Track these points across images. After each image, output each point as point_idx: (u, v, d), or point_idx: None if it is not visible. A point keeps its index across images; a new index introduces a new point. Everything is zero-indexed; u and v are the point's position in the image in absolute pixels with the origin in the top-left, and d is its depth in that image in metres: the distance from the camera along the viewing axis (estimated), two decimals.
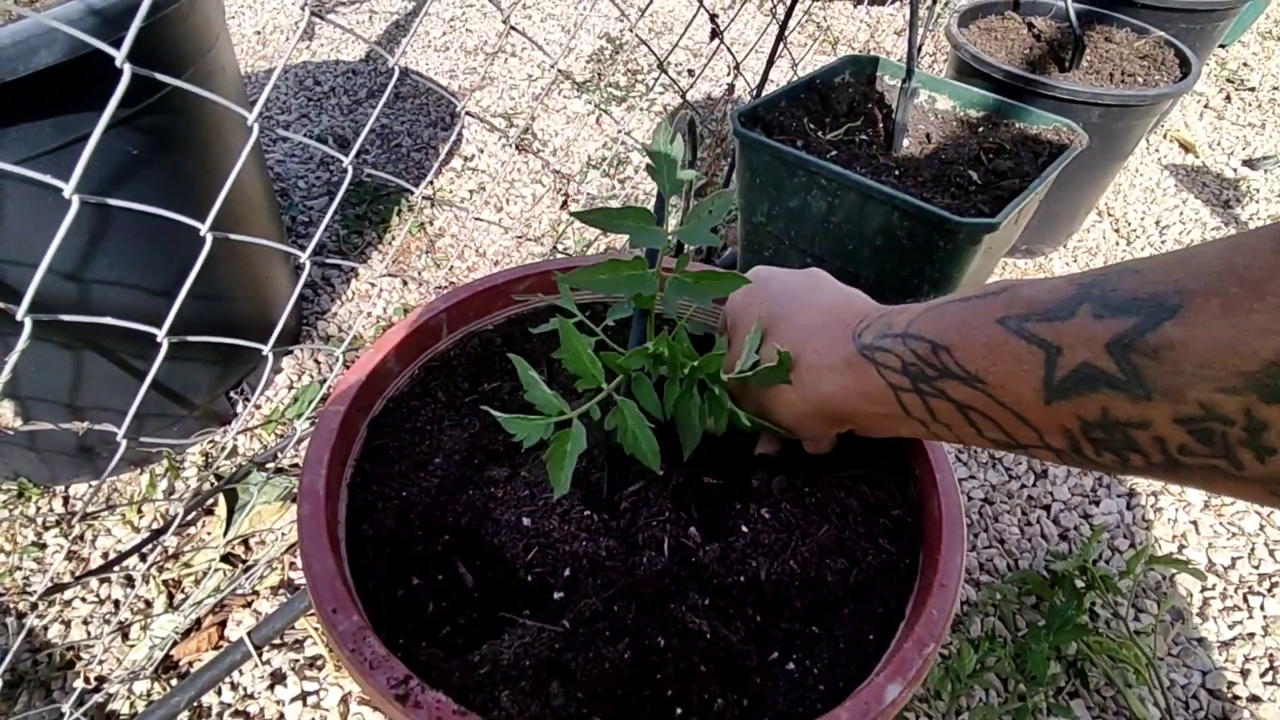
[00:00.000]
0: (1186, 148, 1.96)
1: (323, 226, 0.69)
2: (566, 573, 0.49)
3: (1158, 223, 1.71)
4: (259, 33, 2.21)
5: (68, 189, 0.49)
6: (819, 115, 1.05)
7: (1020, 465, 1.16)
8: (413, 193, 0.80)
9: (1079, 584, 0.93)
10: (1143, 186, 1.82)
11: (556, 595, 0.48)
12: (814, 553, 0.50)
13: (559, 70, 0.87)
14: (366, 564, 0.51)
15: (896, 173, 0.94)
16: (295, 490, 1.04)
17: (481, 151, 1.77)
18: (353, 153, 0.66)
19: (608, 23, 2.37)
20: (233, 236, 0.63)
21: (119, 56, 0.47)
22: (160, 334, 0.60)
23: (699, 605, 0.47)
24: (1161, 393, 0.28)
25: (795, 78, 1.11)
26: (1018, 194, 0.88)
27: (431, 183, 1.64)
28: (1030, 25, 1.49)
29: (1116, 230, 1.68)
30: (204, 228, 0.60)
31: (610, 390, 0.46)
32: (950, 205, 0.87)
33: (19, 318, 0.50)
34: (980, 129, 1.05)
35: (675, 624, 0.47)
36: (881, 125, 1.04)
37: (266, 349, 0.70)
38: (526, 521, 0.51)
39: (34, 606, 0.84)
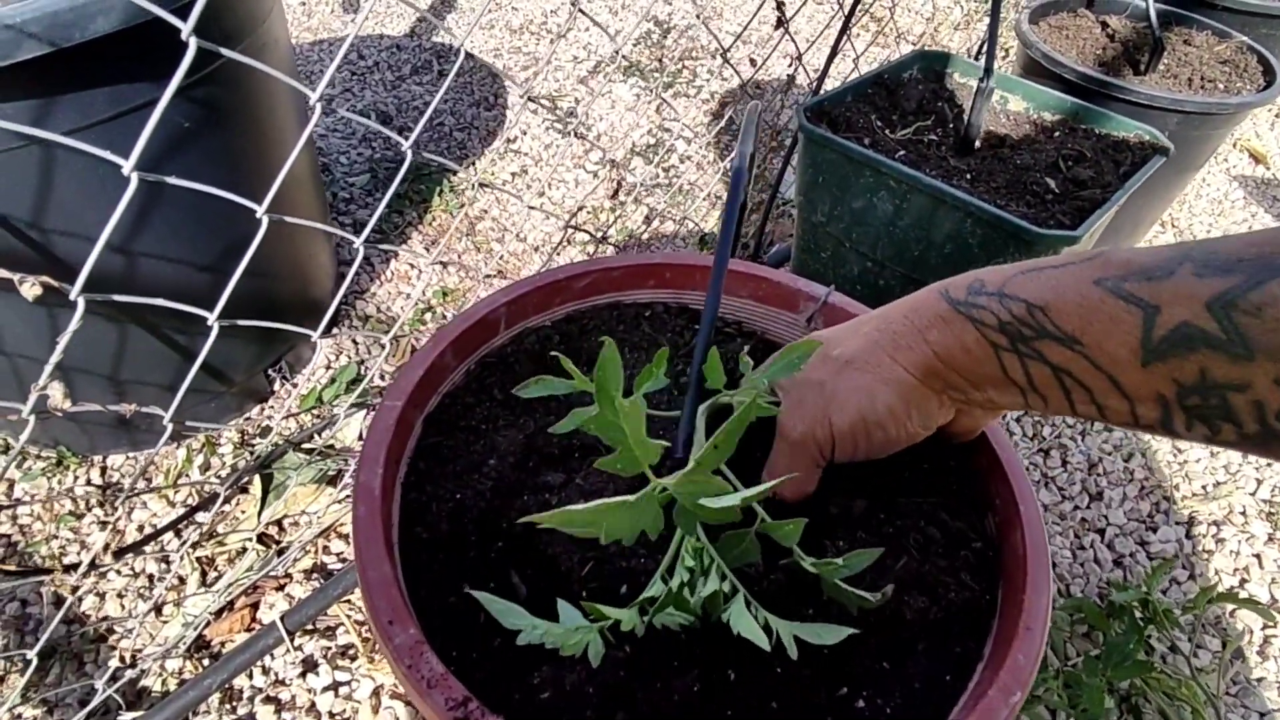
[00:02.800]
0: (1257, 158, 1.88)
1: (377, 214, 0.66)
2: (624, 590, 0.47)
3: (1224, 236, 1.64)
4: (304, 4, 2.19)
5: (127, 166, 0.47)
6: (886, 112, 1.00)
7: (1074, 486, 1.12)
8: (455, 172, 0.78)
9: (1138, 616, 0.89)
10: (1210, 198, 1.74)
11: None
12: (892, 587, 0.47)
13: (614, 54, 0.84)
14: (419, 569, 0.49)
15: (968, 177, 0.89)
16: (330, 473, 1.03)
17: (524, 134, 1.74)
18: (413, 137, 0.63)
19: (655, 4, 2.32)
20: (287, 219, 0.61)
21: (185, 29, 0.45)
22: (212, 318, 0.58)
23: None
24: (1265, 352, 0.27)
25: (858, 72, 1.06)
26: (1099, 205, 0.83)
27: (474, 164, 1.62)
28: (1104, 24, 1.42)
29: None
30: (260, 209, 0.58)
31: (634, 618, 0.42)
32: (1027, 214, 0.83)
33: (73, 297, 0.48)
34: (1056, 133, 1.00)
35: (744, 654, 0.44)
36: (951, 125, 0.99)
37: (315, 335, 0.68)
38: None
39: (74, 589, 0.84)
